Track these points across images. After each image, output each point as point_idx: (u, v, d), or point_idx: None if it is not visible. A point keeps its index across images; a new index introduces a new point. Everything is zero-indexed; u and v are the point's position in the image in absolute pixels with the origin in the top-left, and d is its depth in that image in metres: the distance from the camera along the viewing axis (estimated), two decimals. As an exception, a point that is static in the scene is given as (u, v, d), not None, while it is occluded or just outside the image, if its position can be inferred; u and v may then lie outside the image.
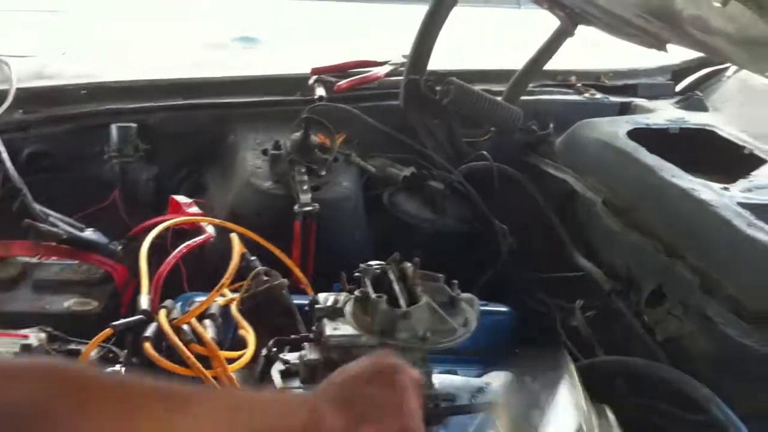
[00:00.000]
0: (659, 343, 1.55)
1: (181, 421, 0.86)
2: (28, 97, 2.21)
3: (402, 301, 1.33)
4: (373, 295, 1.32)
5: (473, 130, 2.44)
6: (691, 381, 1.23)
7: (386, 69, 2.53)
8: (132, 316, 1.47)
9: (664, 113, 2.39)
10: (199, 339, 1.37)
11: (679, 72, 2.87)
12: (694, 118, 2.28)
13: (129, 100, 2.30)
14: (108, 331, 1.37)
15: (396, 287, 1.37)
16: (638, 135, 2.05)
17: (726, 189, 1.67)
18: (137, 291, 1.62)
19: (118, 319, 1.45)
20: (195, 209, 2.01)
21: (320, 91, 2.40)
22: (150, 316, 1.41)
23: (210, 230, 1.89)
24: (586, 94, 2.64)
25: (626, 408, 1.45)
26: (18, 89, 2.16)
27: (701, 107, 2.51)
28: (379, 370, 1.07)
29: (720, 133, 2.11)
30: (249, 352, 1.37)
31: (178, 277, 1.86)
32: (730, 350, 1.35)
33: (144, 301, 1.50)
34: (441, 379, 1.43)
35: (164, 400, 0.87)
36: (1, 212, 1.95)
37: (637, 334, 1.61)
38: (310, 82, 2.46)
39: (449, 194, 2.23)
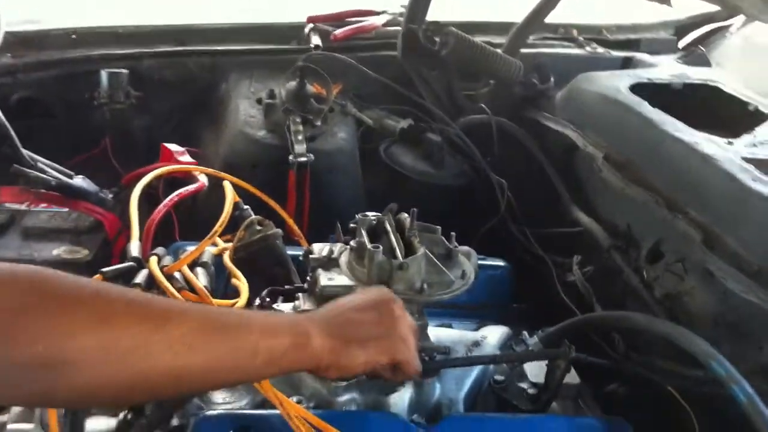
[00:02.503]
0: (658, 300, 1.53)
1: (158, 337, 0.83)
2: (17, 42, 2.16)
3: (399, 252, 1.30)
4: (369, 246, 1.28)
5: (472, 83, 2.39)
6: (690, 336, 1.20)
7: (384, 18, 2.48)
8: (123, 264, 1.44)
9: (667, 68, 2.34)
10: (191, 287, 1.34)
11: (682, 27, 2.81)
12: (698, 74, 2.23)
13: (120, 46, 2.25)
14: (97, 277, 1.34)
15: (392, 238, 1.34)
16: (640, 90, 2.01)
17: (730, 144, 1.64)
18: (128, 240, 1.58)
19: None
20: (187, 158, 1.97)
21: (316, 40, 2.35)
22: (140, 263, 1.37)
23: (203, 179, 1.85)
24: (588, 48, 2.60)
25: (625, 364, 1.44)
26: (6, 33, 2.10)
27: (704, 63, 2.47)
28: (372, 300, 1.08)
29: (724, 88, 2.07)
30: (242, 301, 1.34)
31: (170, 226, 1.83)
32: (732, 306, 1.32)
33: (134, 248, 1.46)
34: (436, 332, 1.41)
35: (143, 315, 0.84)
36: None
37: (636, 291, 1.59)
38: (306, 30, 2.41)
39: (447, 147, 2.19)
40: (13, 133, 1.86)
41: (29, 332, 0.75)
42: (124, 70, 2.16)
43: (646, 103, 1.87)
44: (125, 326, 0.81)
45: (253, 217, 1.56)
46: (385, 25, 2.44)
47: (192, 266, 1.42)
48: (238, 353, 0.90)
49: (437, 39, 2.25)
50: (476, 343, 1.45)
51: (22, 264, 0.81)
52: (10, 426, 1.22)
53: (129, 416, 1.26)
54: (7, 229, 1.79)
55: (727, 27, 2.75)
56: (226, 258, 1.48)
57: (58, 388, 0.79)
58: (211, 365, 0.88)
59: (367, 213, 1.41)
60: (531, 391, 1.38)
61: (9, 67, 2.10)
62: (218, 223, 1.48)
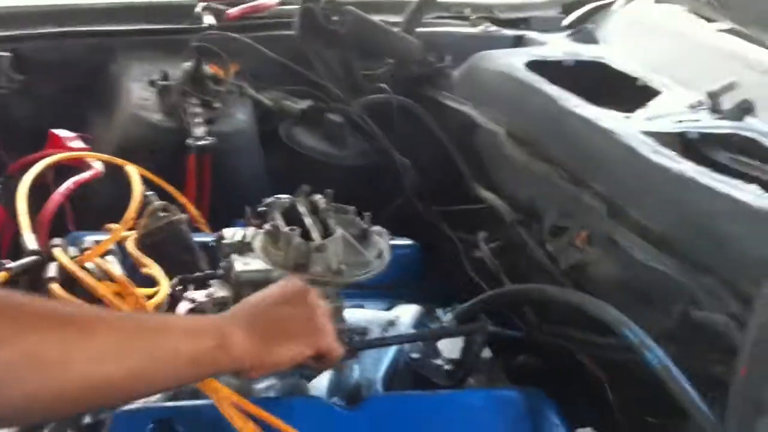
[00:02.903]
0: (563, 272, 1.57)
1: (81, 345, 0.80)
2: None
3: (316, 234, 1.29)
4: (286, 228, 1.26)
5: (370, 63, 2.38)
6: (602, 304, 1.25)
7: (280, -3, 2.43)
8: (15, 259, 1.36)
9: (558, 46, 2.40)
10: (109, 277, 1.28)
11: (568, 6, 2.88)
12: (587, 51, 2.30)
13: (-1, 27, 2.11)
14: (2, 274, 1.25)
15: (308, 220, 1.32)
16: (535, 67, 2.05)
17: (627, 118, 1.69)
18: (18, 234, 1.50)
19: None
20: (79, 144, 1.88)
21: (210, 20, 2.28)
22: (44, 255, 1.30)
23: (98, 166, 1.77)
24: (481, 27, 2.62)
25: (538, 335, 1.47)
26: None
27: (592, 40, 2.54)
28: (287, 292, 1.07)
29: (613, 65, 2.14)
30: (164, 287, 1.29)
31: (61, 216, 1.74)
32: (637, 273, 1.38)
33: (30, 241, 1.38)
34: (351, 314, 1.41)
35: (64, 323, 0.80)
36: None
37: (541, 264, 1.62)
38: (198, 9, 2.33)
39: (348, 127, 2.18)
40: None
41: None
42: (5, 53, 2.03)
43: (544, 80, 1.91)
44: (46, 337, 0.78)
45: (157, 202, 1.51)
46: (281, 3, 2.39)
47: (102, 255, 1.36)
48: (161, 360, 0.87)
49: (335, 18, 2.22)
50: (391, 323, 1.46)
51: None
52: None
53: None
54: None
55: (610, 4, 2.84)
56: (131, 245, 1.43)
57: None
58: (134, 374, 0.85)
59: (279, 195, 1.39)
60: (447, 367, 1.40)
61: None
62: (131, 210, 1.42)
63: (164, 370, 0.88)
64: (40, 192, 1.73)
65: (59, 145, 1.88)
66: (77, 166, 1.83)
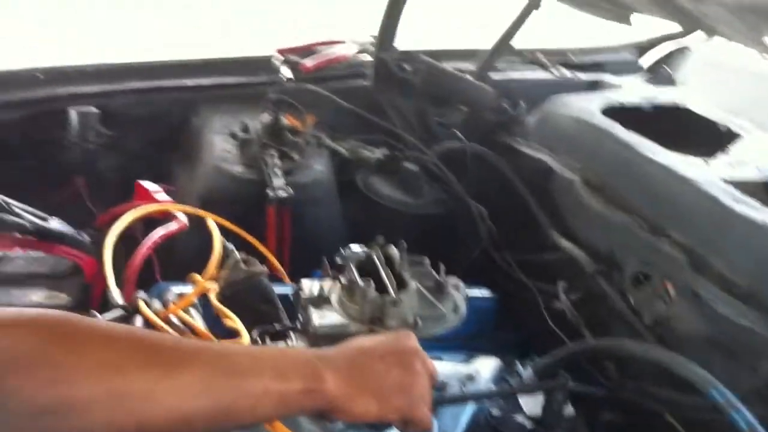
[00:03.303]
0: (646, 325, 1.53)
1: (165, 383, 0.82)
2: (-19, 83, 2.11)
3: (390, 288, 1.29)
4: (361, 282, 1.28)
5: (444, 110, 2.40)
6: (687, 363, 1.21)
7: (354, 48, 2.48)
8: (104, 310, 1.41)
9: (635, 90, 2.38)
10: (191, 329, 1.31)
11: (643, 49, 2.86)
12: (665, 94, 2.27)
13: (86, 84, 2.20)
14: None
15: (383, 273, 1.33)
16: (612, 112, 2.03)
17: (707, 164, 1.66)
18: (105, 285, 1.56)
19: (89, 313, 1.39)
20: (164, 196, 1.94)
21: (286, 72, 2.33)
22: (130, 309, 1.34)
23: (182, 218, 1.82)
24: (555, 72, 2.62)
25: (620, 392, 1.43)
26: (-35, 75, 2.06)
27: (669, 82, 2.51)
28: (396, 350, 1.05)
29: (693, 109, 2.11)
30: (245, 339, 1.32)
31: (149, 266, 1.80)
32: (723, 329, 1.33)
33: (116, 295, 1.43)
34: (430, 367, 1.40)
35: (150, 360, 0.83)
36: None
37: (623, 316, 1.59)
38: (276, 63, 2.40)
39: (424, 176, 2.19)
40: (-16, 177, 1.82)
41: (35, 381, 0.76)
42: (93, 109, 2.12)
43: (620, 126, 1.89)
44: (132, 372, 0.81)
45: (238, 255, 1.54)
46: (355, 54, 2.44)
47: (185, 308, 1.40)
48: (248, 398, 0.88)
49: (408, 67, 2.25)
50: (470, 377, 1.44)
51: (42, 309, 0.82)
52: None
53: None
54: (-18, 276, 1.74)
55: (686, 46, 2.81)
56: (213, 298, 1.46)
57: None
58: (219, 409, 0.87)
59: (353, 247, 1.40)
60: (528, 425, 1.37)
61: (-26, 109, 2.05)
62: (211, 264, 1.46)
63: (250, 408, 0.89)
64: (128, 242, 1.79)
65: (146, 196, 1.94)
66: (162, 217, 1.89)
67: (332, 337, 1.28)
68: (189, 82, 2.30)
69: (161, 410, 0.82)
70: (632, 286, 1.59)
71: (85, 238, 1.84)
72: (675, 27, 2.88)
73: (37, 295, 1.70)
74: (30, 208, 1.85)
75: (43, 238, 1.77)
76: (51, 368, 0.77)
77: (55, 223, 1.82)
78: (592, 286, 1.69)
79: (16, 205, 1.81)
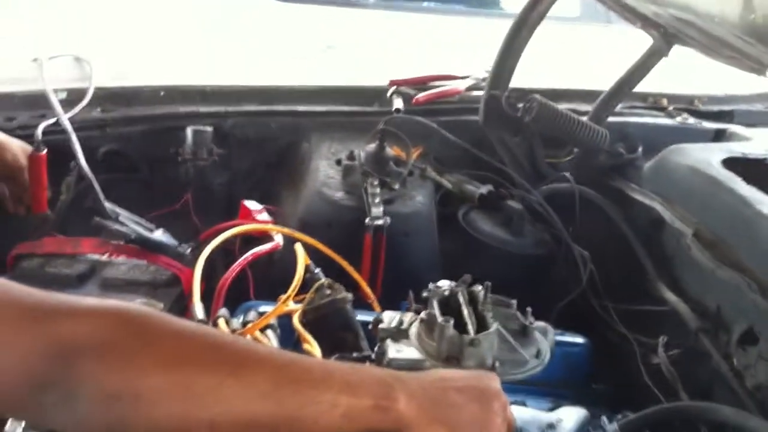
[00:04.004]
0: (748, 390, 1.43)
1: (231, 382, 0.83)
2: (107, 96, 2.22)
3: (470, 327, 1.25)
4: (440, 319, 1.24)
5: (555, 151, 2.34)
6: (785, 436, 1.12)
7: (467, 83, 2.47)
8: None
9: (763, 142, 2.24)
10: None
11: (779, 99, 2.71)
12: (796, 149, 2.12)
13: (205, 104, 2.29)
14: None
15: (465, 311, 1.29)
16: (734, 164, 1.92)
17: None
18: (206, 295, 1.59)
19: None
20: (265, 216, 1.98)
21: (398, 103, 2.35)
22: (209, 324, 1.36)
23: (278, 239, 1.84)
24: (678, 119, 2.52)
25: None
26: (97, 88, 2.17)
27: (804, 137, 2.36)
28: (477, 386, 1.02)
29: (823, 165, 1.97)
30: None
31: (245, 284, 1.83)
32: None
33: (199, 310, 1.46)
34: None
35: (219, 358, 0.85)
36: (73, 209, 1.96)
37: (725, 379, 1.49)
38: (388, 93, 2.42)
39: (527, 215, 2.14)
40: (97, 185, 1.90)
41: (107, 366, 0.79)
42: (208, 128, 2.20)
43: (739, 179, 1.78)
44: (199, 368, 0.83)
45: (324, 280, 1.54)
46: (468, 89, 2.43)
47: (262, 329, 1.41)
48: (315, 406, 0.88)
49: (520, 105, 2.22)
50: (551, 426, 1.38)
51: (122, 302, 0.86)
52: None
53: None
54: (88, 279, 1.81)
55: (827, 98, 2.64)
56: (296, 321, 1.46)
57: (129, 422, 0.81)
58: (284, 416, 0.87)
59: (440, 283, 1.37)
60: (607, 482, 1.30)
61: (98, 121, 2.16)
62: (291, 288, 1.46)
63: (316, 418, 0.88)
64: (230, 259, 1.83)
65: (247, 215, 1.98)
66: (262, 236, 1.92)
67: (406, 370, 1.25)
68: (301, 107, 2.35)
69: (224, 409, 0.83)
70: (738, 348, 1.48)
71: (187, 251, 1.89)
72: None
73: (135, 301, 1.74)
74: (137, 218, 1.93)
75: (146, 247, 1.84)
76: (122, 357, 0.80)
77: (158, 234, 1.89)
78: (695, 344, 1.59)
79: (124, 214, 1.89)
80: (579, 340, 1.66)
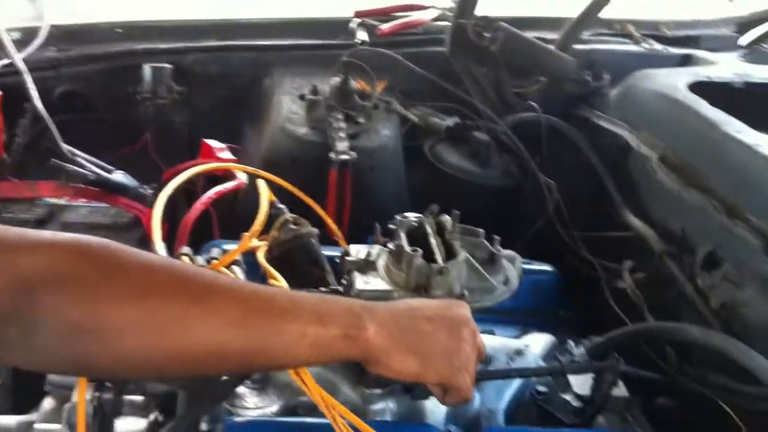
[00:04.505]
0: (713, 310, 1.44)
1: (196, 310, 0.82)
2: (61, 35, 2.15)
3: (438, 256, 1.25)
4: (408, 249, 1.23)
5: (522, 80, 2.32)
6: (748, 351, 1.13)
7: (432, 14, 2.41)
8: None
9: (728, 67, 2.24)
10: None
11: (744, 24, 2.69)
12: (761, 73, 2.12)
13: (163, 40, 2.22)
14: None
15: (432, 241, 1.28)
16: (700, 88, 1.91)
17: (796, 146, 1.54)
18: (170, 237, 1.56)
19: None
20: (227, 155, 1.94)
21: (362, 35, 2.29)
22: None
23: (242, 177, 1.81)
24: (645, 45, 2.49)
25: (677, 378, 1.36)
26: (51, 26, 2.10)
27: (768, 61, 2.36)
28: (446, 315, 1.02)
29: (788, 88, 1.97)
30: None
31: (209, 224, 1.80)
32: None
33: (161, 250, 1.43)
34: (478, 339, 1.36)
35: (185, 288, 0.83)
36: (29, 152, 1.91)
37: (690, 300, 1.51)
38: (352, 25, 2.36)
39: (494, 146, 2.12)
40: (53, 127, 1.85)
41: (69, 298, 0.77)
42: (167, 65, 2.14)
43: (705, 103, 1.78)
44: (164, 299, 0.81)
45: (288, 215, 1.52)
46: (433, 20, 2.38)
47: (228, 265, 1.39)
48: (283, 336, 0.87)
49: (487, 35, 2.18)
50: (519, 352, 1.38)
51: (82, 235, 0.83)
52: (37, 425, 1.20)
53: (159, 418, 1.23)
54: (47, 224, 1.78)
55: (791, 23, 2.63)
56: (261, 256, 1.44)
57: (96, 355, 0.80)
58: (253, 345, 0.86)
59: (407, 214, 1.36)
60: (575, 403, 1.31)
61: (53, 60, 2.09)
62: (256, 223, 1.44)
63: (285, 348, 0.88)
64: (193, 199, 1.80)
65: (210, 155, 1.94)
66: (226, 175, 1.89)
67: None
68: (263, 42, 2.29)
69: (193, 338, 0.82)
70: (702, 270, 1.50)
71: (148, 192, 1.85)
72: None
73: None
74: (96, 160, 1.88)
75: (107, 189, 1.80)
76: (85, 288, 0.78)
77: (118, 176, 1.85)
78: (660, 268, 1.60)
79: (82, 156, 1.85)
80: (547, 268, 1.66)
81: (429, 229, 1.31)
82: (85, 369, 0.86)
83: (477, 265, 1.27)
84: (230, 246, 1.52)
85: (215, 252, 1.42)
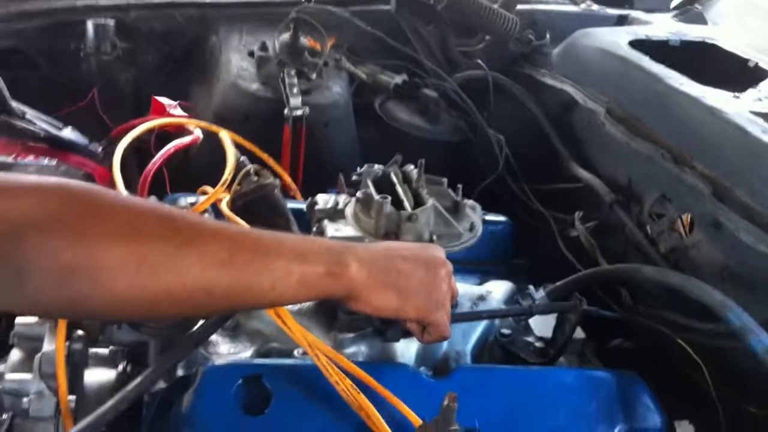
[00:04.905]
0: (663, 255, 1.51)
1: (186, 251, 0.84)
2: (-3, -10, 2.07)
3: (407, 204, 1.28)
4: (377, 197, 1.26)
5: (467, 39, 2.35)
6: (703, 286, 1.19)
7: (379, -28, 2.42)
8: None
9: (664, 26, 2.31)
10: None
11: (676, -15, 2.78)
12: (695, 32, 2.20)
13: (104, -3, 2.17)
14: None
15: (400, 189, 1.31)
16: (639, 46, 1.97)
17: (737, 98, 1.61)
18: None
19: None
20: (179, 111, 1.92)
21: (309, -7, 2.28)
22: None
23: (197, 132, 1.80)
24: (583, 5, 2.56)
25: (635, 317, 1.42)
26: (-14, -18, 2.03)
27: (701, 21, 2.45)
28: (422, 255, 1.06)
29: (722, 45, 2.05)
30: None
31: (160, 180, 1.78)
32: (742, 257, 1.31)
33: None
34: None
35: (173, 228, 0.85)
36: (-28, 110, 1.84)
37: (639, 246, 1.57)
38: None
39: (443, 103, 2.15)
40: (1, 82, 1.79)
41: (60, 240, 0.77)
42: (110, 21, 2.08)
43: (647, 58, 1.84)
44: (154, 239, 0.82)
45: (250, 166, 1.52)
46: (380, -22, 2.38)
47: (199, 215, 1.39)
48: (270, 274, 0.89)
49: (432, -7, 2.20)
50: (481, 297, 1.43)
51: (67, 179, 0.83)
52: (8, 375, 1.18)
53: (128, 368, 1.23)
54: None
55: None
56: (225, 207, 1.44)
57: (87, 295, 0.80)
58: (240, 283, 0.88)
59: (373, 165, 1.38)
60: (538, 344, 1.37)
61: (-9, 16, 2.02)
62: (226, 172, 1.44)
63: (271, 285, 0.90)
64: (142, 156, 1.78)
65: (161, 111, 1.92)
66: (177, 131, 1.87)
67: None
68: None
69: (182, 277, 0.83)
70: (650, 217, 1.56)
71: (98, 149, 1.82)
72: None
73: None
74: (44, 117, 1.84)
75: (56, 146, 1.76)
76: (74, 229, 0.78)
77: (68, 133, 1.81)
78: (610, 217, 1.66)
79: (31, 113, 1.80)
80: (502, 218, 1.70)
81: (395, 178, 1.34)
82: (79, 310, 0.86)
83: (444, 212, 1.30)
84: (191, 199, 1.52)
85: (182, 203, 1.42)
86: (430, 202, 1.28)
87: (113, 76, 2.12)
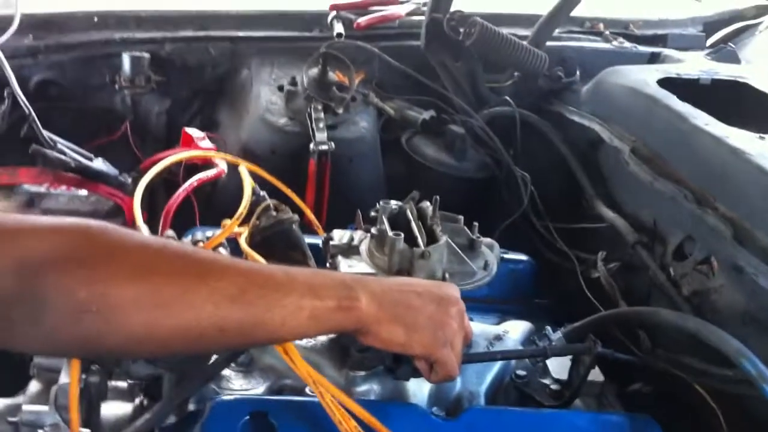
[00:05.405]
0: (685, 297, 1.49)
1: (199, 288, 0.85)
2: (38, 23, 2.12)
3: (420, 241, 1.27)
4: (391, 233, 1.26)
5: (496, 75, 2.36)
6: (721, 333, 1.17)
7: (408, 7, 2.44)
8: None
9: (695, 64, 2.30)
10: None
11: (711, 24, 2.76)
12: (727, 70, 2.18)
13: (141, 30, 2.22)
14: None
15: (414, 226, 1.31)
16: (668, 84, 1.96)
17: (762, 138, 1.59)
18: (149, 225, 1.57)
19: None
20: (207, 143, 1.95)
21: (339, 28, 2.31)
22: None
23: (222, 165, 1.83)
24: (615, 43, 2.55)
25: (651, 361, 1.40)
26: (25, 15, 2.08)
27: (734, 59, 2.42)
28: (435, 292, 1.06)
29: (754, 84, 2.02)
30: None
31: (190, 211, 1.81)
32: (763, 303, 1.28)
33: (145, 234, 1.44)
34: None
35: (185, 266, 0.87)
36: (8, 139, 1.90)
37: (662, 288, 1.55)
38: (329, 18, 2.37)
39: (469, 139, 2.16)
40: (34, 113, 1.84)
41: (75, 279, 0.79)
42: (145, 54, 2.14)
43: (674, 97, 1.83)
44: (167, 276, 0.84)
45: (269, 201, 1.54)
46: (409, 14, 2.40)
47: (213, 249, 1.40)
48: (281, 309, 0.90)
49: (461, 29, 2.21)
50: (498, 337, 1.42)
51: (81, 218, 0.85)
52: (25, 407, 1.21)
53: (144, 402, 1.25)
54: (27, 211, 1.77)
55: (756, 25, 2.70)
56: (243, 242, 1.46)
57: (102, 333, 0.82)
58: (252, 319, 0.89)
59: (389, 201, 1.38)
60: (554, 386, 1.35)
61: (30, 48, 2.07)
62: (241, 208, 1.46)
63: (282, 321, 0.91)
64: (172, 188, 1.81)
65: (190, 143, 1.95)
66: (206, 164, 1.90)
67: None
68: (241, 33, 2.30)
69: (195, 315, 0.85)
70: (674, 259, 1.54)
71: (128, 180, 1.85)
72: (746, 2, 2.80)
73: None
74: (76, 147, 1.88)
75: (87, 177, 1.80)
76: (89, 269, 0.80)
77: (98, 164, 1.85)
78: (632, 257, 1.65)
79: (62, 143, 1.84)
80: (523, 257, 1.70)
81: (410, 215, 1.34)
82: (93, 348, 0.88)
83: (458, 249, 1.30)
84: (211, 232, 1.53)
85: (199, 236, 1.43)
86: (444, 239, 1.27)
87: (146, 108, 2.18)
